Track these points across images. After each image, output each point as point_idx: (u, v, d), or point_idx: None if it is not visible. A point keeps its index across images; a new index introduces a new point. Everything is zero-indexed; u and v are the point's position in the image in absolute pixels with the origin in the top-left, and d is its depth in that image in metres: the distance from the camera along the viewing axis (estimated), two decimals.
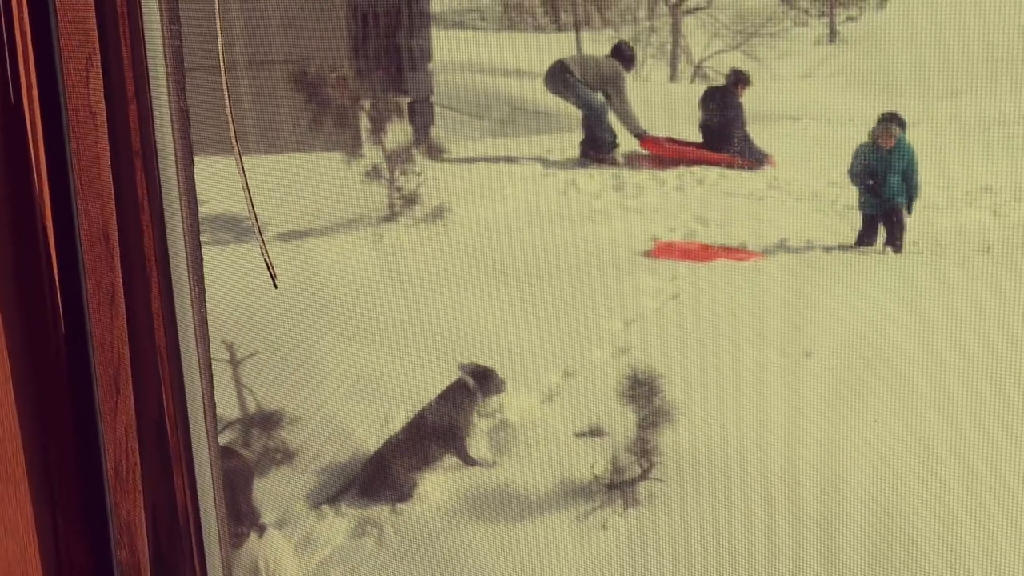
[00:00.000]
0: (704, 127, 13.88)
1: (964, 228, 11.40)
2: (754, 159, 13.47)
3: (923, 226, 11.35)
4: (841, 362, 7.79)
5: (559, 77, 13.07)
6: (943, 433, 6.79)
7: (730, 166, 13.31)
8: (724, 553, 5.83)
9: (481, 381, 6.94)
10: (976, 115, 17.77)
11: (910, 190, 10.63)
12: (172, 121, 1.58)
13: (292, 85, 10.92)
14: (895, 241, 10.53)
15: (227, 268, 9.90)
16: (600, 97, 13.01)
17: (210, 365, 1.66)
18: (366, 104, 10.95)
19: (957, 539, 5.96)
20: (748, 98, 23.35)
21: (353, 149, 11.39)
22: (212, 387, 1.66)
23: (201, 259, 1.62)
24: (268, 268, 2.14)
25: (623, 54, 13.68)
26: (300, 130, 13.22)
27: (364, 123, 11.45)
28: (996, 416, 7.09)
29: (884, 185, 10.41)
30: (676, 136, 13.94)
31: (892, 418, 6.92)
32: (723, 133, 13.53)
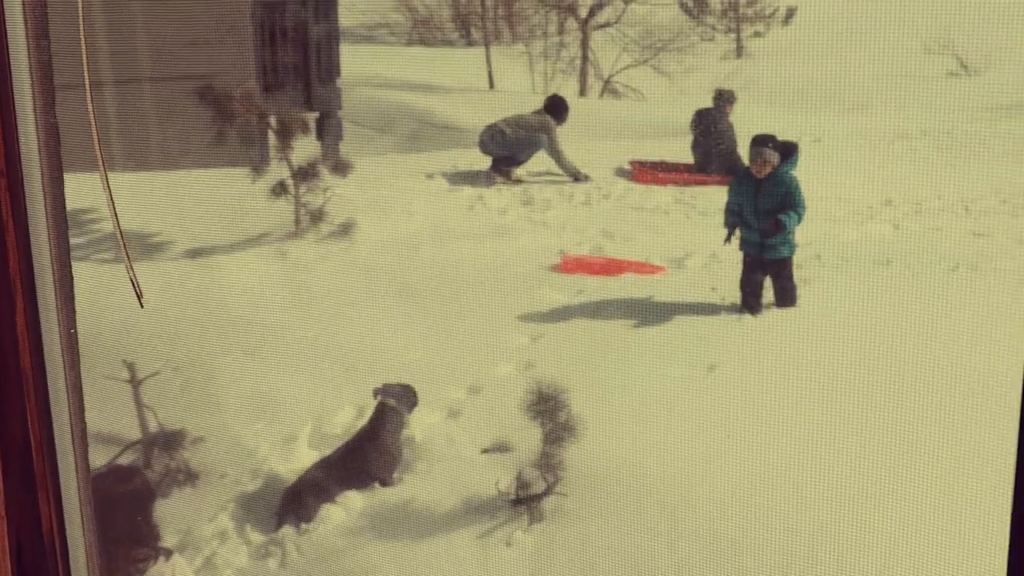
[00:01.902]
0: (696, 148, 13.99)
1: (866, 241, 11.57)
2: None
3: (826, 239, 11.49)
4: (744, 376, 7.85)
5: (491, 138, 13.10)
6: (843, 449, 6.86)
7: (722, 185, 13.45)
8: (628, 568, 5.84)
9: (402, 399, 6.89)
10: (878, 129, 18.08)
11: (784, 214, 9.06)
12: (39, 138, 1.54)
13: (198, 101, 10.79)
14: (785, 297, 9.00)
15: (128, 285, 9.75)
16: (541, 136, 13.07)
17: (80, 388, 1.62)
18: (272, 120, 10.85)
19: (857, 557, 6.03)
20: (657, 111, 23.53)
21: (259, 165, 11.30)
22: (82, 409, 1.63)
23: (71, 278, 1.58)
24: (134, 287, 2.10)
25: (555, 107, 13.76)
26: (206, 146, 13.09)
27: (271, 139, 11.36)
28: (896, 430, 7.18)
29: (757, 222, 8.88)
30: (661, 160, 14.16)
31: (792, 433, 6.99)
32: (716, 153, 13.65)
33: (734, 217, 9.01)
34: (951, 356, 8.13)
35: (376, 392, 6.92)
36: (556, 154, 13.26)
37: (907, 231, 12.00)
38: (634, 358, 7.95)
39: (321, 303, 9.61)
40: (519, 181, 12.96)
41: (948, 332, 8.65)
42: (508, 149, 13.00)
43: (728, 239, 9.08)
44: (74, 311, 1.62)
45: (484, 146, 13.20)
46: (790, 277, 8.94)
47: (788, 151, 8.78)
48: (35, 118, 1.59)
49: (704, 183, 13.35)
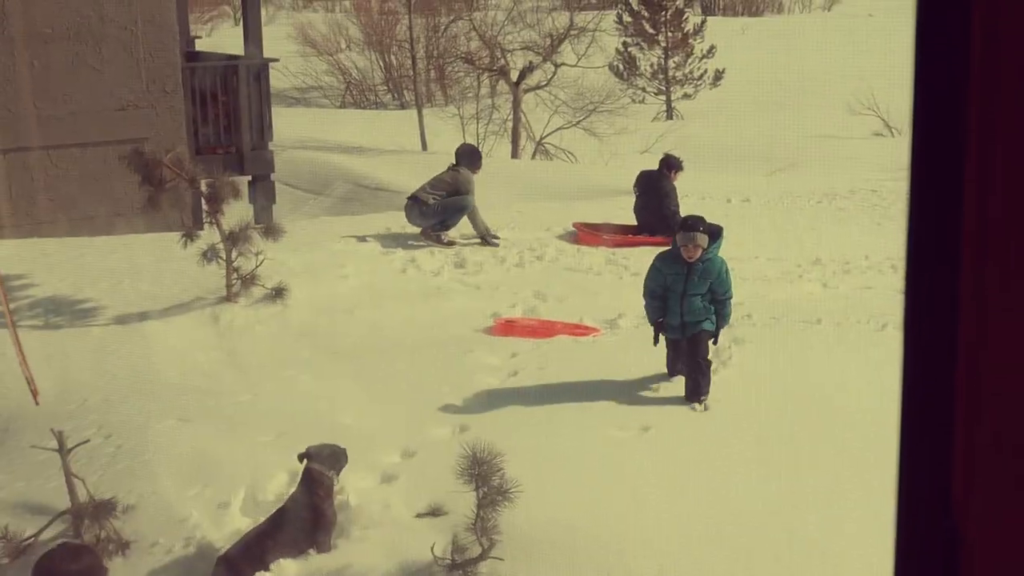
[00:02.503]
0: (639, 210, 14.08)
1: (796, 300, 11.70)
2: None
3: (755, 299, 11.60)
4: (678, 436, 7.88)
5: (416, 211, 13.06)
6: (779, 505, 6.90)
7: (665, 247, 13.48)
8: None
9: (328, 462, 6.82)
10: (806, 189, 18.31)
11: (720, 317, 8.56)
12: None
13: (127, 165, 10.74)
14: (698, 391, 8.34)
15: (58, 353, 9.65)
16: (467, 198, 13.02)
17: None
18: (203, 185, 10.81)
19: None
20: (590, 172, 23.68)
21: (190, 230, 11.24)
22: None
23: None
24: (28, 384, 2.06)
25: (468, 157, 13.75)
26: (137, 211, 13.02)
27: (202, 204, 11.32)
28: (830, 484, 7.24)
29: (681, 305, 8.39)
30: (598, 222, 14.23)
31: (728, 491, 7.02)
32: (657, 216, 13.74)
33: (657, 303, 8.51)
34: (880, 412, 8.20)
35: (302, 456, 6.85)
36: (473, 212, 13.20)
37: (836, 290, 12.15)
38: (568, 420, 7.96)
39: (254, 367, 9.56)
40: (452, 243, 12.98)
41: (877, 389, 8.73)
42: (436, 217, 13.00)
43: (656, 338, 8.66)
44: None
45: (413, 220, 13.12)
46: (705, 356, 8.40)
47: (714, 233, 8.44)
48: None
49: (648, 244, 13.46)
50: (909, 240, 1.11)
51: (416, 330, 10.49)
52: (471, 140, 29.77)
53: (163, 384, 9.18)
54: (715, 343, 8.61)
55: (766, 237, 14.20)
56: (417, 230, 13.22)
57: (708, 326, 8.44)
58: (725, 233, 8.79)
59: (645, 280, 8.65)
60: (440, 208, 12.97)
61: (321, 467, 6.72)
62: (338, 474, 6.85)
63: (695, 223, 8.34)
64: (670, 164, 14.29)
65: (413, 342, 10.10)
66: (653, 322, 8.60)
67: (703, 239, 8.24)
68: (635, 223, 14.09)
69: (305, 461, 6.81)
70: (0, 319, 9.48)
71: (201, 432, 7.98)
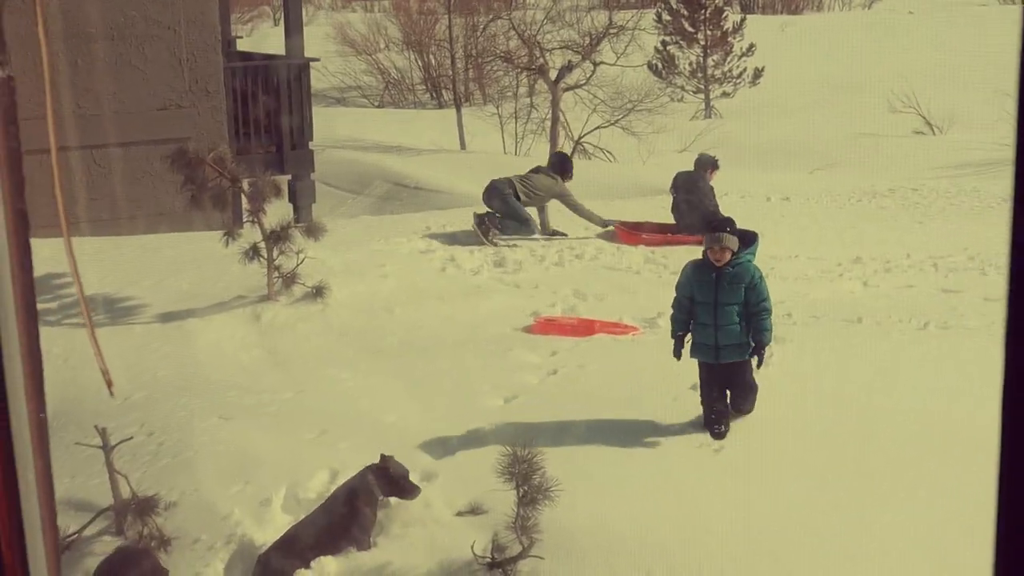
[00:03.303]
0: (677, 209, 14.07)
1: (836, 299, 11.62)
2: None
3: (797, 298, 11.53)
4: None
5: (497, 194, 13.29)
6: (820, 509, 6.85)
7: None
8: None
9: (388, 486, 6.69)
10: (846, 188, 18.21)
11: (758, 332, 7.64)
12: (6, 214, 1.52)
13: (170, 165, 10.79)
14: (742, 405, 7.79)
15: (101, 350, 9.69)
16: (529, 212, 13.30)
17: (51, 481, 1.58)
18: (245, 184, 10.85)
19: None
20: (628, 171, 23.62)
21: (232, 229, 11.28)
22: (53, 507, 1.58)
23: (40, 358, 1.55)
24: (104, 375, 2.07)
25: (559, 166, 14.00)
26: (179, 210, 13.10)
27: (243, 203, 11.35)
28: (874, 486, 7.19)
29: (713, 318, 7.61)
30: (651, 221, 14.32)
31: (772, 493, 6.97)
32: (695, 215, 13.73)
33: (683, 316, 7.72)
34: (923, 412, 8.14)
35: (380, 460, 6.73)
36: (578, 208, 13.69)
37: (877, 289, 12.07)
38: (608, 419, 7.93)
39: (296, 366, 9.58)
40: (495, 243, 13.00)
41: (921, 389, 8.67)
42: (510, 216, 13.17)
43: (678, 351, 7.76)
44: (43, 394, 1.58)
45: (491, 203, 13.33)
46: (751, 380, 7.75)
47: (748, 239, 7.74)
48: (4, 206, 1.55)
49: (687, 243, 13.46)
50: (1014, 242, 1.07)
51: (456, 329, 10.49)
52: (509, 139, 29.80)
53: (205, 382, 9.21)
54: (759, 364, 7.71)
55: (806, 235, 14.13)
56: (456, 228, 13.24)
57: (743, 354, 7.61)
58: (761, 239, 8.16)
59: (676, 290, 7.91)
60: (511, 207, 13.13)
61: (378, 482, 6.65)
62: (386, 496, 6.75)
63: (722, 223, 7.69)
64: (706, 163, 14.24)
65: (453, 341, 10.10)
66: (674, 335, 7.77)
67: (731, 241, 7.52)
68: (674, 223, 14.04)
69: (373, 467, 6.69)
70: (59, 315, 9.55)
71: (243, 430, 8.00)
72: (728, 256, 7.55)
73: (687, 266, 7.85)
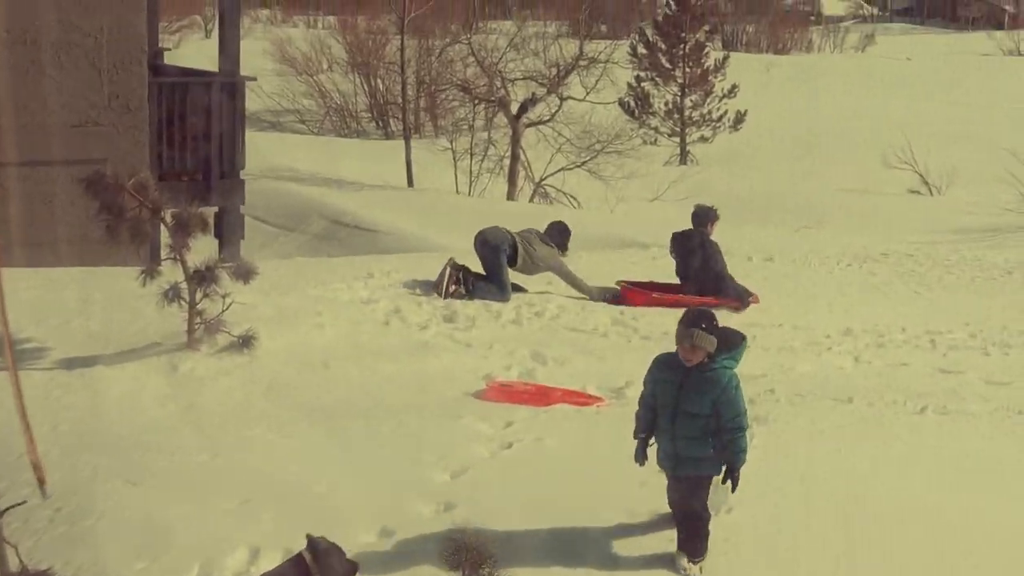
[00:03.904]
0: (682, 271, 14.05)
1: (824, 375, 11.61)
2: (737, 298, 13.68)
3: (779, 372, 11.51)
4: None
5: (491, 248, 13.20)
6: None
7: (715, 308, 13.54)
8: None
9: (326, 569, 6.52)
10: (835, 249, 18.31)
11: (730, 452, 7.13)
12: None
13: (84, 189, 10.65)
14: (688, 547, 7.18)
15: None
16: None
17: None
18: (167, 215, 10.73)
19: None
20: (594, 220, 23.67)
21: (150, 266, 11.15)
22: None
23: None
24: (35, 471, 1.95)
25: (558, 236, 14.03)
26: (90, 242, 12.92)
27: (164, 237, 11.22)
28: None
29: (671, 428, 7.14)
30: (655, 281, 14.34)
31: None
32: (701, 275, 13.72)
33: (649, 415, 7.32)
34: (921, 510, 8.11)
35: (310, 544, 6.56)
36: (575, 281, 13.64)
37: (869, 365, 12.08)
38: (570, 503, 7.84)
39: (216, 424, 9.42)
40: (454, 295, 12.93)
41: (916, 482, 8.64)
42: (496, 278, 13.11)
43: (640, 455, 7.39)
44: None
45: (484, 248, 13.26)
46: (702, 503, 7.20)
47: (731, 341, 7.25)
48: None
49: (700, 304, 13.46)
50: None
51: (399, 390, 10.38)
52: (463, 177, 29.82)
53: (112, 439, 9.03)
54: (734, 490, 7.25)
55: (791, 301, 14.16)
56: (403, 277, 13.17)
57: (708, 468, 7.15)
58: (748, 340, 7.64)
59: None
60: (501, 277, 13.09)
61: (315, 567, 6.47)
62: None
63: (698, 317, 7.08)
64: (705, 217, 14.19)
65: (396, 403, 9.99)
66: (636, 435, 7.40)
67: (706, 340, 6.97)
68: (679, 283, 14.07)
69: (307, 549, 6.54)
70: None
71: (152, 496, 7.85)
72: (700, 357, 7.03)
73: (656, 359, 7.39)
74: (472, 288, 13.06)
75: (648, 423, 7.31)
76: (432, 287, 13.04)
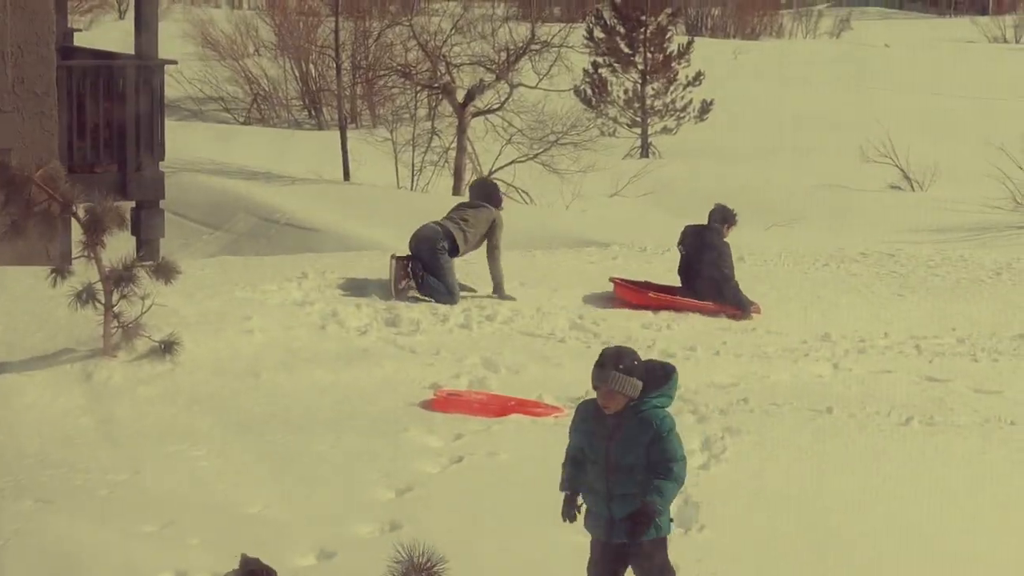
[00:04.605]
0: (684, 271, 14.09)
1: (801, 383, 11.65)
2: (739, 306, 13.74)
3: (752, 380, 11.55)
4: None
5: (428, 246, 13.10)
6: None
7: (714, 315, 13.72)
8: None
9: None
10: (811, 249, 18.37)
11: (649, 490, 6.43)
12: None
13: None
14: None
15: None
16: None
17: None
18: (80, 209, 10.67)
19: None
20: (548, 217, 23.68)
21: (61, 265, 11.09)
22: None
23: None
24: None
25: (484, 191, 14.08)
26: None
27: (76, 233, 11.16)
28: None
29: (605, 483, 6.53)
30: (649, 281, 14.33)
31: None
32: (706, 278, 13.78)
33: (575, 471, 6.73)
34: (907, 528, 8.15)
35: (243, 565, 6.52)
36: (495, 255, 13.52)
37: (849, 373, 12.13)
38: (524, 519, 7.84)
39: (135, 439, 9.38)
40: (405, 290, 12.92)
41: (902, 499, 8.68)
42: (442, 276, 13.05)
43: (568, 513, 6.72)
44: None
45: (419, 244, 13.18)
46: (663, 568, 6.66)
47: (658, 378, 6.62)
48: None
49: (696, 309, 13.69)
50: None
51: (337, 401, 10.36)
52: (404, 170, 29.78)
53: (18, 455, 8.99)
54: (630, 536, 6.50)
55: (765, 304, 14.19)
56: (342, 276, 13.14)
57: (655, 530, 6.52)
58: (679, 376, 6.84)
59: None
60: (446, 276, 13.04)
61: None
62: None
63: (614, 357, 6.53)
64: (723, 217, 14.33)
65: (334, 416, 9.97)
66: (562, 488, 6.76)
67: (626, 384, 6.43)
68: (680, 285, 14.12)
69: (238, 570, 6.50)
70: None
71: (66, 517, 7.81)
72: (621, 403, 6.47)
73: (579, 407, 6.88)
74: (422, 281, 13.03)
75: (574, 479, 6.71)
76: (378, 288, 13.02)
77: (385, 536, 7.62)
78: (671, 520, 6.66)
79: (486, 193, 14.03)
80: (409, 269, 13.07)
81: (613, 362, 6.46)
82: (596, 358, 6.51)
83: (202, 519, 7.83)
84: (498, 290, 13.48)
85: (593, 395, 6.56)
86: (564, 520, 6.74)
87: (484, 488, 8.47)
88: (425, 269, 13.12)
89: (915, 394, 11.49)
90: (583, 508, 6.68)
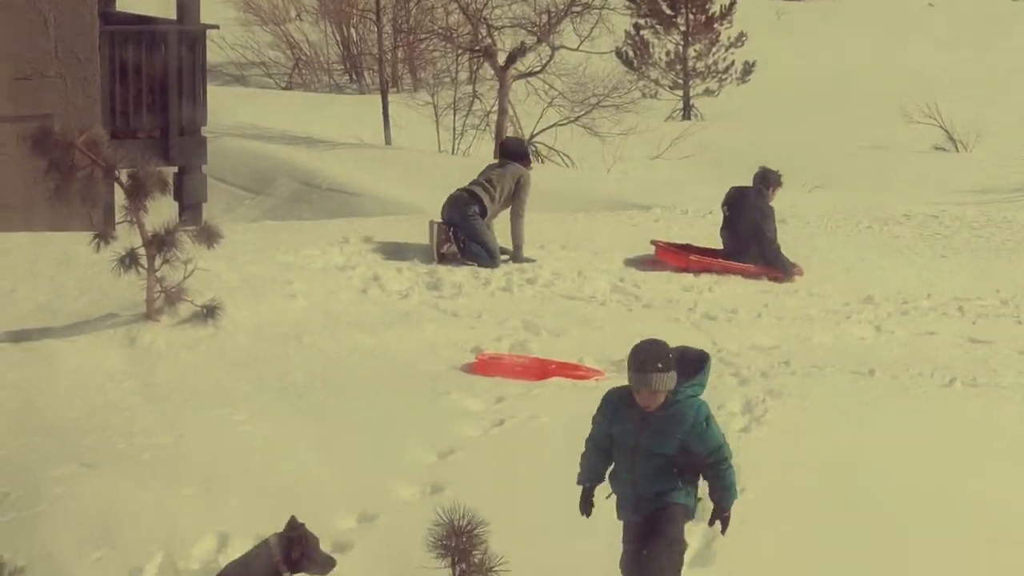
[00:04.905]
0: (727, 232, 14.11)
1: (843, 346, 11.62)
2: (781, 269, 13.73)
3: (794, 343, 11.52)
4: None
5: (458, 211, 13.12)
6: None
7: (755, 277, 13.73)
8: None
9: (289, 551, 6.50)
10: (853, 210, 18.27)
11: (717, 491, 6.56)
12: None
13: (30, 148, 10.62)
14: (647, 560, 6.51)
15: None
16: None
17: None
18: (122, 175, 10.69)
19: None
20: (589, 180, 23.62)
21: (104, 230, 11.12)
22: None
23: None
24: None
25: (516, 150, 14.10)
26: (38, 204, 12.88)
27: (119, 198, 11.19)
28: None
29: (631, 472, 6.53)
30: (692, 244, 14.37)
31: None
32: (749, 239, 13.83)
33: (596, 460, 6.75)
34: (949, 492, 8.12)
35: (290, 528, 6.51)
36: (519, 214, 13.50)
37: (892, 335, 12.08)
38: (565, 483, 7.83)
39: (178, 403, 9.43)
40: (447, 254, 12.94)
41: (945, 462, 8.65)
42: (480, 239, 13.06)
43: (585, 506, 6.79)
44: None
45: (451, 211, 13.19)
46: (677, 536, 6.55)
47: (692, 365, 6.58)
48: None
49: (737, 272, 13.68)
50: None
51: (379, 364, 10.38)
52: (446, 134, 29.77)
53: (63, 420, 9.05)
54: (724, 531, 6.67)
55: (807, 266, 14.15)
56: (381, 239, 13.16)
57: (680, 498, 6.53)
58: (714, 360, 6.98)
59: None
60: (483, 238, 13.10)
61: (284, 556, 6.44)
62: (292, 574, 6.57)
63: (651, 356, 6.38)
64: (768, 179, 14.35)
65: (375, 379, 9.99)
66: (580, 482, 6.83)
67: (663, 381, 6.35)
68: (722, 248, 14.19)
69: (278, 536, 6.49)
70: None
71: (109, 481, 7.86)
72: (662, 399, 6.41)
73: (607, 395, 6.79)
74: (464, 247, 13.05)
75: (595, 471, 6.75)
76: (419, 252, 13.03)
77: (426, 499, 7.66)
78: (699, 500, 6.61)
79: (513, 151, 14.07)
80: (451, 233, 13.09)
81: (652, 363, 6.34)
82: (630, 357, 6.41)
83: (243, 482, 7.87)
84: (516, 252, 13.47)
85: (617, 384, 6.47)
86: (581, 514, 6.74)
87: (524, 452, 8.48)
88: (464, 234, 13.13)
89: (958, 356, 11.44)
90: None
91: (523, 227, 13.51)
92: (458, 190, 13.51)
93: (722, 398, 9.50)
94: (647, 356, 6.37)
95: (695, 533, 7.25)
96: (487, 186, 13.35)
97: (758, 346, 11.38)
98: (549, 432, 8.83)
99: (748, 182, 14.47)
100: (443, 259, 12.96)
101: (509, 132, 27.78)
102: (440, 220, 13.28)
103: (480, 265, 12.96)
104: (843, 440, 8.94)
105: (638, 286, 12.86)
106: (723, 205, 14.36)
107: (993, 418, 9.68)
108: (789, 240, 14.59)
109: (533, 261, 13.34)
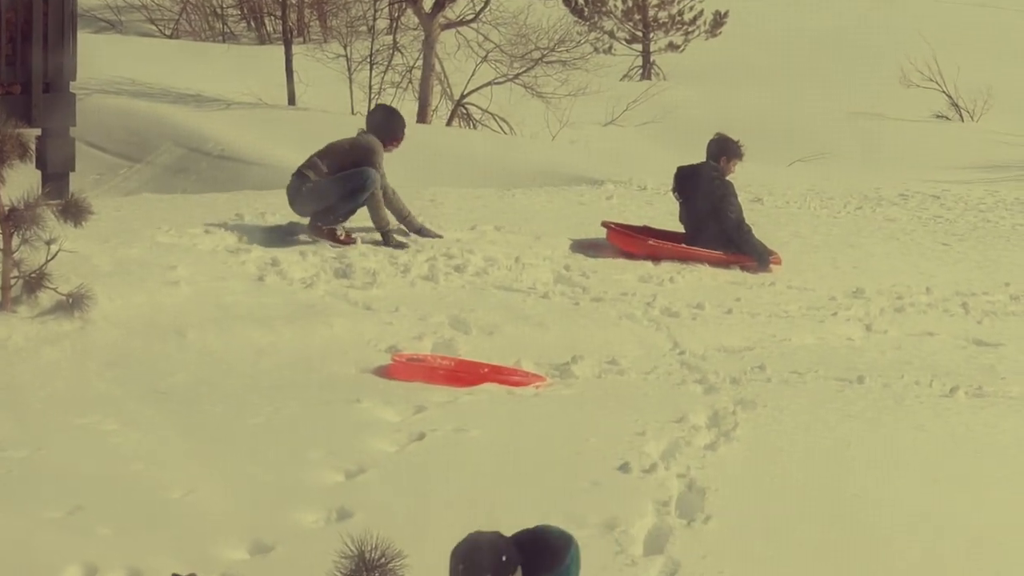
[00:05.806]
0: (685, 219, 14.02)
1: (828, 348, 11.67)
2: (755, 256, 13.66)
3: (770, 344, 11.56)
4: (654, 534, 7.80)
5: (296, 191, 12.94)
6: None
7: (725, 266, 13.70)
8: None
9: None
10: (842, 189, 18.39)
11: None
12: None
13: None
14: None
15: None
16: (366, 171, 12.83)
17: None
18: None
19: None
20: (530, 149, 23.63)
21: None
22: None
23: None
24: None
25: (384, 124, 13.68)
26: None
27: None
28: None
29: None
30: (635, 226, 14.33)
31: None
32: (711, 223, 13.70)
33: None
34: (951, 519, 8.17)
35: None
36: (374, 197, 13.14)
37: (884, 336, 12.15)
38: (497, 506, 7.86)
39: (38, 410, 9.39)
40: (350, 240, 12.84)
41: (945, 484, 8.70)
42: (320, 201, 12.85)
43: None
44: None
45: (296, 206, 13.02)
46: None
47: (552, 556, 6.05)
48: None
49: (709, 260, 13.66)
50: None
51: (277, 366, 10.41)
52: (360, 93, 29.74)
53: None
54: None
55: (787, 254, 14.19)
56: (289, 219, 13.12)
57: None
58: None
59: None
60: (326, 188, 12.82)
61: None
62: None
63: (473, 566, 5.82)
64: (724, 149, 14.16)
65: (272, 384, 10.01)
66: None
67: None
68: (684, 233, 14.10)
69: None
70: None
71: None
72: None
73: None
74: (329, 217, 12.85)
75: None
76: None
77: (332, 526, 7.62)
78: None
79: (378, 123, 13.72)
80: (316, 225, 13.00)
81: (476, 568, 5.81)
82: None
83: (116, 504, 7.82)
84: (413, 225, 13.41)
85: None
86: None
87: (448, 471, 8.47)
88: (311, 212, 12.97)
89: (961, 361, 11.52)
90: None
91: (400, 200, 13.41)
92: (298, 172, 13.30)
93: (685, 409, 9.54)
94: (468, 566, 5.87)
95: None
96: (313, 159, 13.17)
97: (727, 348, 11.43)
98: (478, 448, 8.84)
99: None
100: (351, 242, 12.83)
101: (436, 91, 27.80)
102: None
103: (348, 207, 12.83)
104: (825, 459, 8.98)
105: (586, 276, 12.86)
106: (673, 190, 14.26)
107: (1001, 434, 9.74)
108: (765, 222, 14.66)
109: (404, 247, 13.08)
